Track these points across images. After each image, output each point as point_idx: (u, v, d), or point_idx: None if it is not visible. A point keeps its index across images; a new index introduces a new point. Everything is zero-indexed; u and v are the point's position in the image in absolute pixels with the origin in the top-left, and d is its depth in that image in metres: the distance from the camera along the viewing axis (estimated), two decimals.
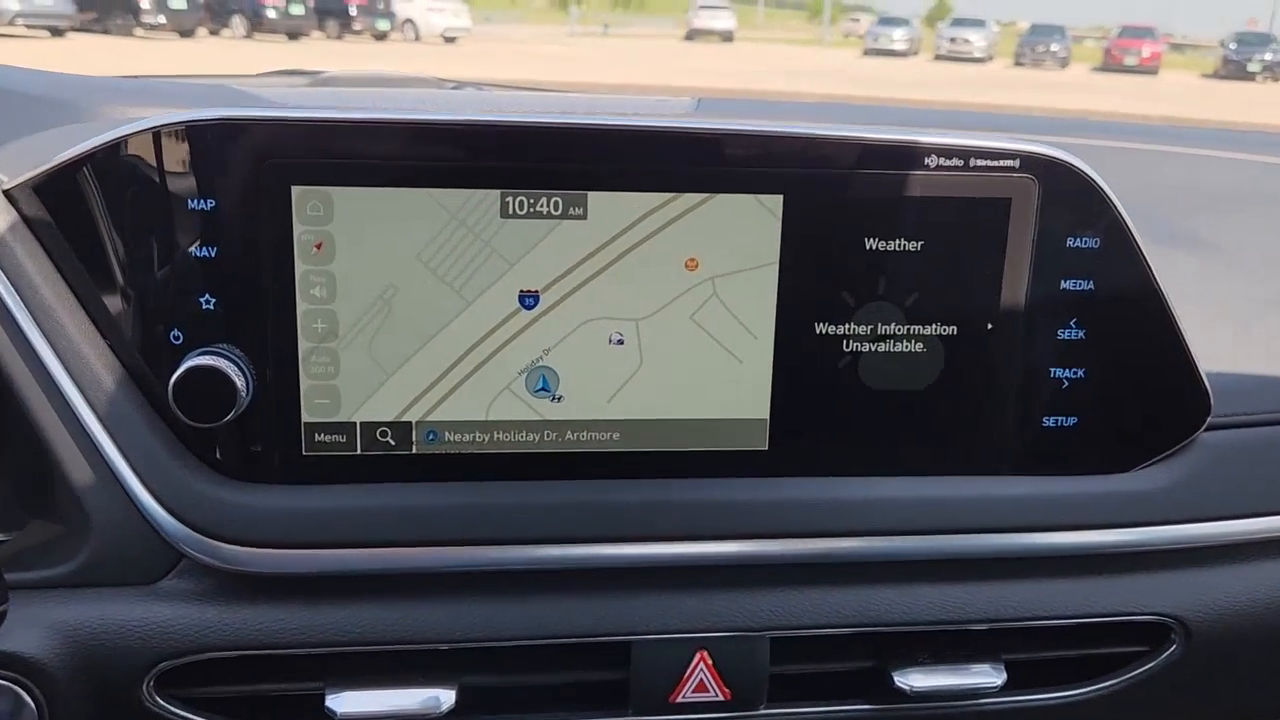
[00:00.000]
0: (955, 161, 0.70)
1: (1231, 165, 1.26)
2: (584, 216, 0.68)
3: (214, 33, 22.46)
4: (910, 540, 0.74)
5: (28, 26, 18.15)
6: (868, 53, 31.20)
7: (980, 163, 0.70)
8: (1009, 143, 0.70)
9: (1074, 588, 0.78)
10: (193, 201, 0.66)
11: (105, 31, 20.01)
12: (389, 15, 25.42)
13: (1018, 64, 29.64)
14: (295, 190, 0.66)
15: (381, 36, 25.03)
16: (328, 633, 0.70)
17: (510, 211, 0.68)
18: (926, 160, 0.69)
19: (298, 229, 0.66)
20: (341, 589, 0.71)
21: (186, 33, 21.41)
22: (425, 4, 27.34)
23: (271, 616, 0.70)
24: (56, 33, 18.60)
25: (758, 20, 67.86)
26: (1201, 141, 1.31)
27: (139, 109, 0.90)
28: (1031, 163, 0.70)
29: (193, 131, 0.65)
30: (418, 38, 26.47)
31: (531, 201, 0.68)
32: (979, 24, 31.65)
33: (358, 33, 24.56)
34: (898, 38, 31.29)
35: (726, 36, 35.05)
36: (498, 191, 0.67)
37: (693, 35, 35.33)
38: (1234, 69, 27.63)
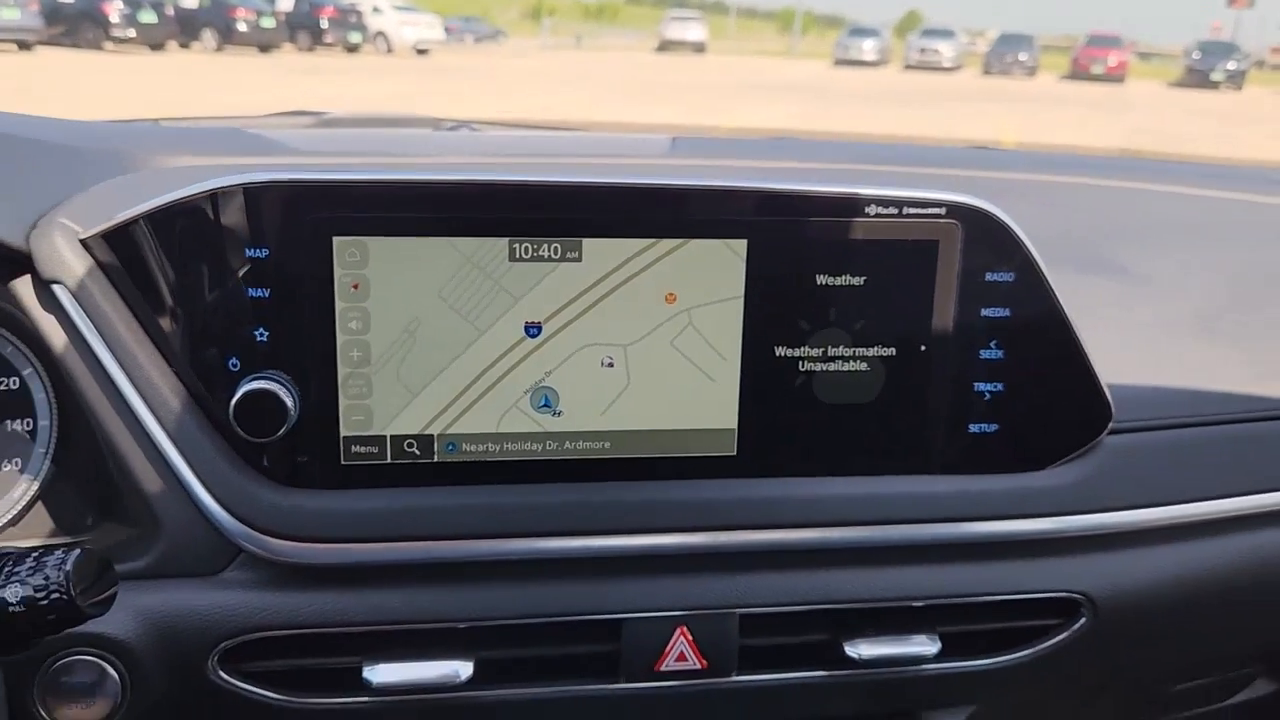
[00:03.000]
0: (891, 210, 0.83)
1: (1155, 197, 1.40)
2: (579, 259, 0.81)
3: (184, 46, 22.39)
4: (859, 530, 0.87)
5: None
6: (838, 63, 31.47)
7: (912, 211, 0.83)
8: (936, 194, 0.83)
9: (998, 570, 0.91)
10: (248, 249, 0.78)
11: (74, 45, 19.90)
12: (361, 28, 25.45)
13: (986, 73, 30.00)
14: (336, 240, 0.78)
15: (353, 49, 25.04)
16: (363, 615, 0.82)
17: (517, 256, 0.80)
18: (867, 209, 0.82)
19: (338, 273, 0.78)
20: (374, 577, 0.83)
21: (157, 46, 21.32)
22: (397, 17, 27.40)
23: (316, 601, 0.82)
24: (24, 46, 18.50)
25: (729, 31, 68.24)
26: (1128, 173, 1.45)
27: (178, 157, 1.02)
28: (956, 210, 0.84)
29: (248, 191, 0.77)
30: (390, 50, 26.51)
31: (535, 247, 0.80)
32: (948, 34, 31.99)
33: (329, 45, 24.56)
34: (868, 49, 31.58)
35: (698, 48, 35.21)
36: (506, 239, 0.79)
37: (665, 47, 35.45)
38: (1198, 78, 28.09)
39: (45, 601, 0.62)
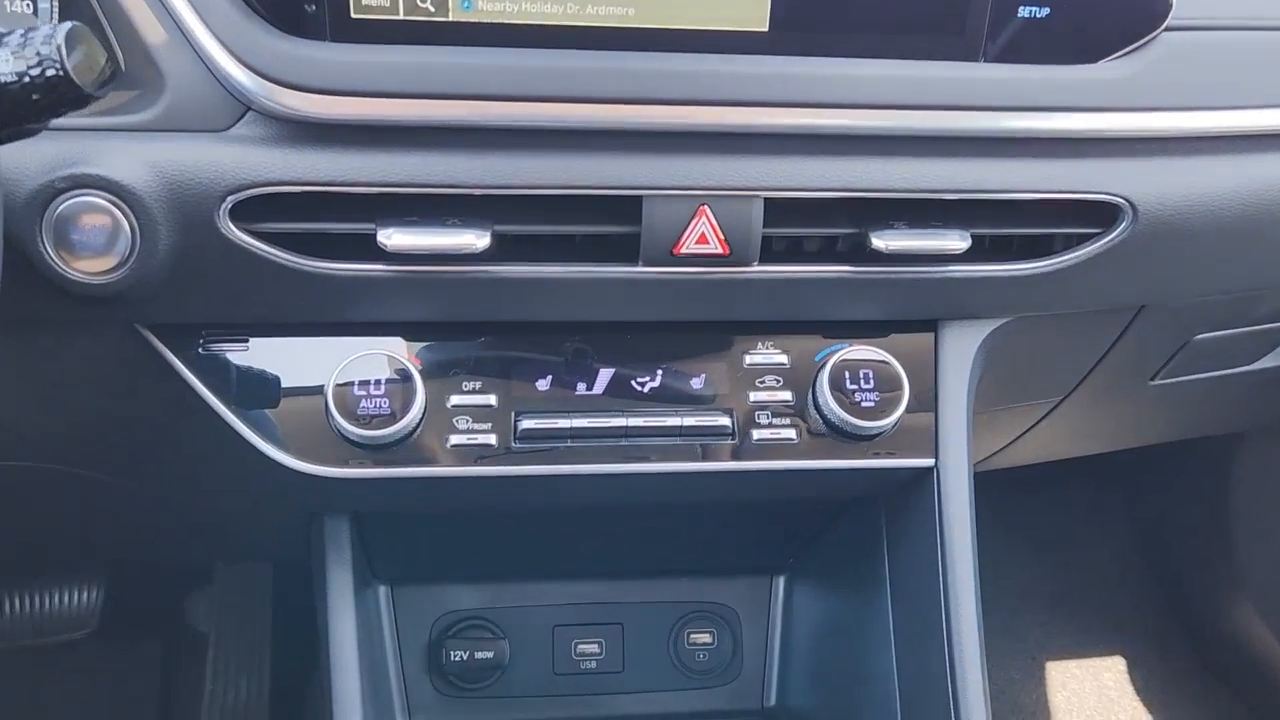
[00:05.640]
0: None
1: None
2: None
3: None
4: (894, 116, 0.82)
5: None
6: None
7: None
8: None
9: (1038, 168, 0.86)
10: None
11: None
12: None
13: None
14: None
15: None
16: (375, 175, 0.79)
17: None
18: None
19: None
20: (387, 137, 0.79)
21: None
22: None
23: (326, 159, 0.79)
24: None
25: None
26: None
27: None
28: None
29: None
30: None
31: None
32: None
33: None
34: None
35: None
36: None
37: None
38: None
39: (40, 77, 0.59)
